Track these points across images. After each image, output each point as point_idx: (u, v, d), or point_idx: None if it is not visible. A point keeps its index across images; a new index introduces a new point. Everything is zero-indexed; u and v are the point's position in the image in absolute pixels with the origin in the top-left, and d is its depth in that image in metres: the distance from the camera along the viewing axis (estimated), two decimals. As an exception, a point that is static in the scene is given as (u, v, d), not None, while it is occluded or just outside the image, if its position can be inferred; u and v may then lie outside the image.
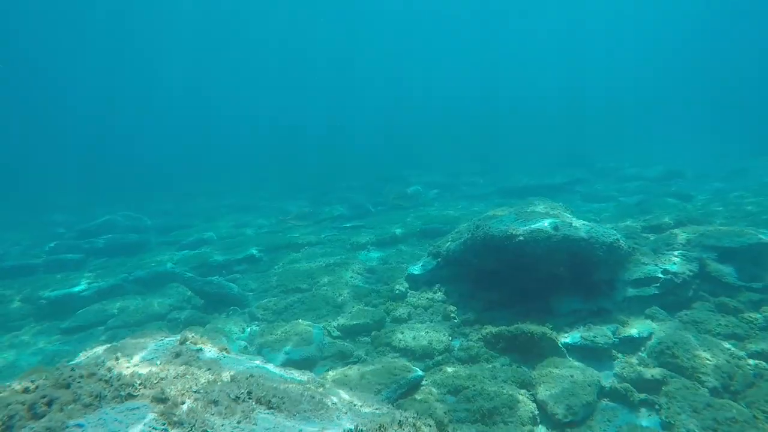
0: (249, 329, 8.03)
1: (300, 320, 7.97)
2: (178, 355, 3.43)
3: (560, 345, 5.86)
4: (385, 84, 77.26)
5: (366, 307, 8.21)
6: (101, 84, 62.25)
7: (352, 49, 66.76)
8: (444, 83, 76.35)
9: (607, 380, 5.37)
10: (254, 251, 12.29)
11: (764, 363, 5.25)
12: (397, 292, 8.38)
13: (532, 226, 6.68)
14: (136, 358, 3.27)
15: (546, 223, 6.69)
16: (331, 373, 5.84)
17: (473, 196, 18.82)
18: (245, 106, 77.86)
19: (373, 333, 7.27)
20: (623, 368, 5.33)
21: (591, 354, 5.77)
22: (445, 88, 75.94)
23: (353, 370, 5.66)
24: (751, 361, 5.30)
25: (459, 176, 23.10)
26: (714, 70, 59.92)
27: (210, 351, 3.65)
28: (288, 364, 6.25)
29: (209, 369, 3.35)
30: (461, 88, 74.87)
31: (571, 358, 5.78)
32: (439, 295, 8.02)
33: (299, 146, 47.93)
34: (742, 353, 5.42)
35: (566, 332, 6.15)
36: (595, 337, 5.78)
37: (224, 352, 3.72)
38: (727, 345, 5.51)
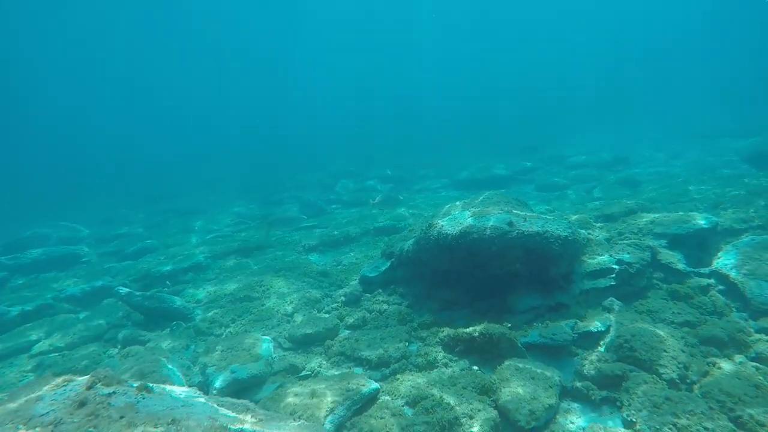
0: (193, 346, 7.42)
1: (248, 332, 7.48)
2: (83, 404, 2.90)
3: (519, 344, 5.66)
4: (335, 79, 76.57)
5: (319, 314, 7.78)
6: (49, 83, 58.24)
7: (301, 47, 65.80)
8: (396, 76, 76.36)
9: (568, 378, 5.22)
10: (201, 258, 11.56)
11: (715, 349, 5.24)
12: (351, 296, 7.98)
13: (486, 222, 6.44)
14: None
15: (500, 219, 6.47)
16: (280, 390, 5.38)
17: (427, 190, 18.65)
18: (197, 108, 75.03)
19: (326, 342, 6.86)
20: (583, 365, 5.19)
21: (551, 352, 5.61)
22: (397, 81, 75.96)
23: (304, 388, 5.23)
24: (703, 348, 5.29)
25: (412, 170, 22.89)
26: (659, 59, 62.85)
27: (125, 393, 3.12)
28: (234, 384, 5.77)
29: (122, 417, 2.85)
30: (413, 81, 75.10)
31: (531, 358, 5.60)
32: (394, 298, 7.70)
33: (250, 145, 46.42)
34: (695, 341, 5.40)
35: (525, 330, 5.97)
36: (554, 334, 5.62)
37: (143, 393, 3.21)
38: (681, 334, 5.48)
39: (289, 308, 8.16)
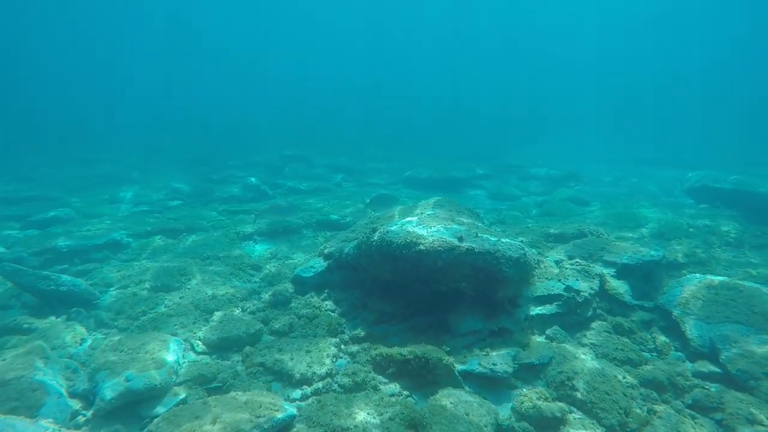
0: (90, 340, 6.42)
1: (158, 329, 6.58)
2: None
3: (456, 373, 5.18)
4: (303, 63, 74.39)
5: (242, 315, 6.98)
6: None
7: (269, 27, 63.32)
8: (357, 66, 75.24)
9: (505, 415, 4.79)
10: (121, 235, 10.35)
11: (655, 393, 4.99)
12: (280, 297, 7.24)
13: (435, 234, 5.91)
14: None
15: (450, 232, 5.96)
16: (180, 409, 4.59)
17: (378, 185, 18.04)
18: (154, 77, 70.24)
19: (246, 348, 6.09)
20: (522, 403, 4.77)
21: (489, 384, 5.17)
22: (364, 73, 74.85)
23: (207, 409, 4.47)
24: (642, 390, 5.03)
25: (365, 161, 22.18)
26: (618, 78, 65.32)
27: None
28: (126, 396, 4.92)
29: None
30: (377, 72, 74.23)
31: (467, 388, 5.14)
32: (327, 304, 7.04)
33: (202, 118, 43.68)
34: (635, 381, 5.13)
35: (464, 356, 5.50)
36: (494, 365, 5.18)
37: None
38: (623, 373, 5.20)
39: (211, 304, 7.29)
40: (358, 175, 19.83)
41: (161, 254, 9.55)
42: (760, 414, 4.49)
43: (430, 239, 5.83)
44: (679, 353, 5.80)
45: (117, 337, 6.09)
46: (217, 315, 6.95)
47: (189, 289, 7.81)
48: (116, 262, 9.24)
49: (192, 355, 6.05)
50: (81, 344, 6.29)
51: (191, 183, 17.39)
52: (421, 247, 5.79)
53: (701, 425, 4.49)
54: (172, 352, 5.72)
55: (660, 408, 4.67)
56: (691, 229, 9.98)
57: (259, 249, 10.02)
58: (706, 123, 39.92)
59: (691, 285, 6.43)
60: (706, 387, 5.04)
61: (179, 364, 5.65)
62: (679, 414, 4.62)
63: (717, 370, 5.29)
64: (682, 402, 4.90)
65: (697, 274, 6.81)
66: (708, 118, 42.43)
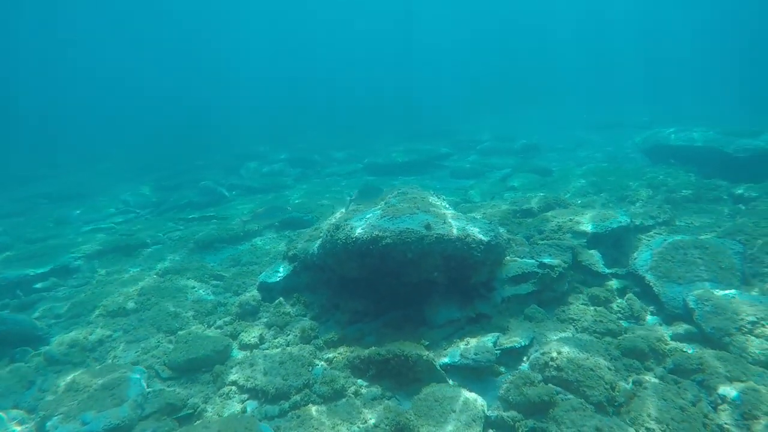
0: (40, 382, 5.88)
1: (118, 360, 6.10)
2: None
3: (438, 367, 4.98)
4: (252, 57, 72.00)
5: (208, 331, 6.57)
6: None
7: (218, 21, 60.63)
8: (312, 56, 73.51)
9: (493, 405, 4.64)
10: (71, 258, 9.61)
11: (637, 362, 4.95)
12: (247, 307, 6.85)
13: (401, 225, 5.64)
14: None
15: (416, 222, 5.70)
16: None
17: (339, 174, 17.62)
18: (93, 77, 66.22)
19: (216, 368, 5.71)
20: (508, 390, 4.62)
21: (473, 374, 5.01)
22: (314, 62, 73.12)
23: (175, 445, 4.12)
24: (626, 360, 4.98)
25: (322, 152, 21.65)
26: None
27: None
28: (85, 441, 4.48)
29: None
30: (329, 61, 72.75)
31: (451, 381, 4.96)
32: (297, 308, 6.71)
33: (150, 122, 41.55)
34: (617, 352, 5.09)
35: (444, 348, 5.32)
36: (476, 354, 5.01)
37: None
38: (604, 346, 5.13)
39: (174, 323, 6.84)
40: (318, 167, 19.33)
41: (116, 275, 8.93)
42: (737, 370, 4.51)
43: (397, 231, 5.56)
44: (656, 317, 5.82)
45: (71, 375, 5.58)
46: (182, 334, 6.51)
47: (149, 309, 7.29)
48: (66, 289, 8.57)
49: (158, 383, 5.62)
50: (30, 387, 5.75)
51: (143, 193, 16.50)
52: (388, 240, 5.52)
53: (684, 389, 4.46)
54: (134, 384, 5.29)
55: (645, 378, 4.61)
56: (652, 189, 10.13)
57: (220, 257, 9.53)
58: (658, 84, 41.05)
59: (660, 247, 6.45)
60: (684, 350, 5.04)
61: (144, 396, 5.22)
62: (662, 381, 4.58)
63: (693, 329, 5.32)
64: (664, 367, 4.88)
65: (664, 236, 6.84)
66: (658, 80, 43.63)
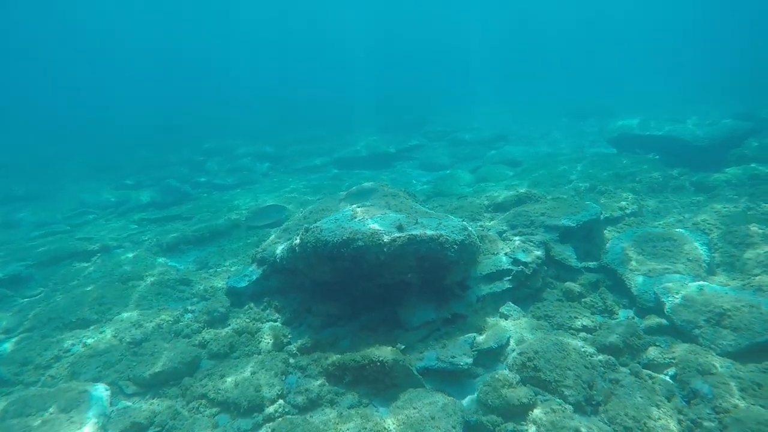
0: (-12, 405, 5.46)
1: (76, 376, 5.75)
2: None
3: (415, 371, 4.88)
4: (219, 47, 69.68)
5: (176, 341, 6.26)
6: None
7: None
8: (281, 45, 71.80)
9: (471, 408, 4.57)
10: (18, 267, 9.03)
11: (613, 358, 4.97)
12: (215, 314, 6.57)
13: (373, 226, 5.48)
14: None
15: (388, 222, 5.55)
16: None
17: (308, 169, 17.26)
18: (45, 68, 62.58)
19: (184, 380, 5.45)
20: (486, 393, 4.55)
21: (450, 377, 4.93)
22: (282, 51, 71.43)
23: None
24: (601, 357, 4.99)
25: (291, 145, 21.17)
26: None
27: None
28: (40, 470, 4.17)
29: None
30: (298, 51, 71.21)
31: (428, 386, 4.86)
32: (268, 313, 6.49)
33: (111, 117, 39.61)
34: (593, 349, 5.10)
35: (420, 352, 5.21)
36: (453, 357, 4.93)
37: None
38: (580, 343, 5.14)
39: (137, 333, 6.48)
40: (286, 161, 18.89)
41: (73, 282, 8.45)
42: (708, 363, 4.58)
43: (368, 232, 5.39)
44: (628, 310, 5.88)
45: (23, 398, 5.20)
46: (147, 346, 6.18)
47: (110, 320, 6.91)
48: (14, 301, 8.03)
49: (122, 401, 5.32)
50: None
51: (101, 193, 15.72)
52: (360, 243, 5.35)
53: (659, 384, 4.51)
54: (94, 404, 4.98)
55: (621, 376, 4.63)
56: (619, 179, 10.29)
57: (186, 260, 9.15)
58: (623, 73, 41.82)
59: (630, 240, 6.52)
60: (657, 344, 5.10)
61: (106, 417, 4.92)
62: (637, 378, 4.61)
63: (664, 322, 5.39)
64: (639, 363, 4.92)
65: (634, 229, 6.92)
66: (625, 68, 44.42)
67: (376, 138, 19.49)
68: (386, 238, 5.31)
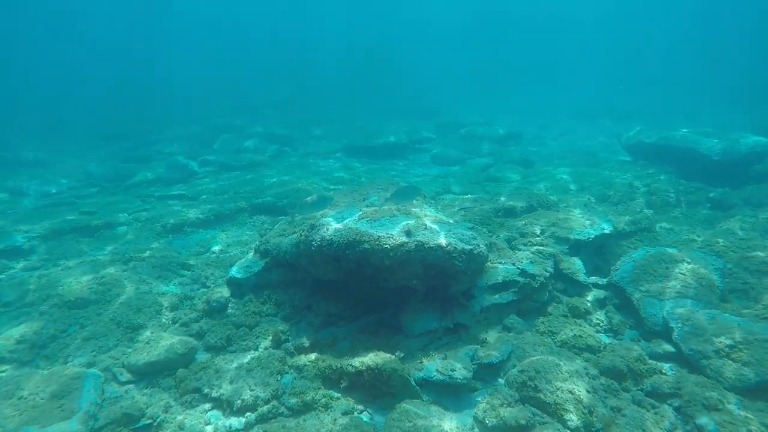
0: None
1: (72, 359, 5.71)
2: None
3: (413, 383, 4.79)
4: (228, 22, 68.66)
5: (173, 329, 6.20)
6: None
7: None
8: (293, 25, 70.66)
9: (468, 423, 4.49)
10: (21, 239, 8.99)
11: (615, 383, 4.85)
12: (215, 304, 6.49)
13: (380, 230, 5.34)
14: None
15: (396, 226, 5.41)
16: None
17: (317, 154, 17.06)
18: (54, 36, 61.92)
19: (179, 372, 5.40)
20: (485, 411, 4.47)
21: (449, 390, 4.84)
22: (294, 31, 70.28)
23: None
24: (603, 380, 4.88)
25: (300, 127, 20.92)
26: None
27: None
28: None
29: None
30: (311, 31, 70.03)
31: (426, 397, 4.78)
32: (267, 307, 6.39)
33: (118, 88, 39.25)
34: (595, 371, 4.98)
35: (420, 360, 5.12)
36: (452, 371, 4.83)
37: None
38: (583, 364, 5.02)
39: (135, 319, 6.42)
40: (296, 144, 18.69)
41: (73, 259, 8.39)
42: (714, 398, 4.45)
43: (375, 236, 5.26)
44: (635, 331, 5.74)
45: (16, 377, 5.17)
46: (145, 333, 6.14)
47: (108, 302, 6.85)
48: (16, 273, 8.00)
49: (115, 387, 5.28)
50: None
51: (108, 164, 15.66)
52: (366, 245, 5.22)
53: (661, 416, 4.39)
54: (87, 391, 4.94)
55: (623, 403, 4.52)
56: (633, 191, 10.06)
57: (189, 243, 9.07)
58: (647, 75, 40.78)
59: (642, 259, 6.34)
60: (663, 372, 4.97)
61: (98, 404, 4.88)
62: (640, 407, 4.50)
63: (671, 349, 5.25)
64: (642, 389, 4.80)
65: (647, 248, 6.74)
66: (651, 71, 43.35)
67: (388, 125, 19.20)
68: (393, 243, 5.18)
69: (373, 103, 27.48)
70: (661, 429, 4.21)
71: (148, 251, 8.37)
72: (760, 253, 6.36)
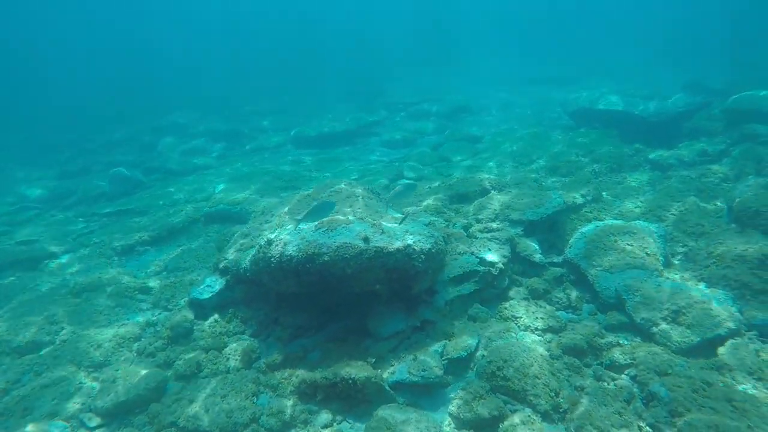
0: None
1: (30, 412, 5.45)
2: None
3: (387, 388, 4.90)
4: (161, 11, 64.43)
5: (139, 363, 6.01)
6: None
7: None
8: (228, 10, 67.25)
9: (444, 420, 4.67)
10: (-46, 279, 8.40)
11: (577, 360, 5.14)
12: (179, 329, 6.34)
13: (337, 239, 5.33)
14: None
15: (353, 234, 5.41)
16: None
17: (266, 148, 16.62)
18: None
19: (151, 407, 5.27)
20: (459, 407, 4.65)
21: (423, 390, 4.98)
22: (226, 16, 66.91)
23: None
24: (566, 359, 5.16)
25: (247, 119, 20.26)
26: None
27: None
28: None
29: None
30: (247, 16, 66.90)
31: (401, 399, 4.91)
32: (233, 325, 6.32)
33: (48, 92, 36.34)
34: (559, 351, 5.26)
35: (391, 363, 5.23)
36: (423, 371, 4.96)
37: None
38: (546, 346, 5.29)
39: (96, 356, 6.19)
40: (243, 140, 18.13)
41: (16, 298, 7.91)
42: (665, 363, 4.81)
43: (334, 246, 5.25)
44: (591, 305, 6.05)
45: (-25, 442, 4.91)
46: (108, 371, 5.92)
47: (64, 341, 6.55)
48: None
49: (85, 435, 5.12)
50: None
51: (43, 183, 14.70)
52: (326, 257, 5.21)
53: (620, 387, 4.71)
54: (54, 446, 4.76)
55: (586, 382, 4.80)
56: (580, 159, 10.44)
57: (144, 263, 8.74)
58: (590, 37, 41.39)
59: (592, 234, 6.64)
60: (620, 343, 5.30)
61: (68, 457, 4.73)
62: (600, 382, 4.80)
63: (625, 319, 5.58)
64: (601, 364, 5.11)
65: (596, 222, 7.06)
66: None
67: (336, 111, 18.95)
68: (353, 252, 5.19)
69: (318, 87, 26.87)
70: (621, 401, 4.51)
71: (100, 278, 8.00)
72: (694, 215, 6.79)
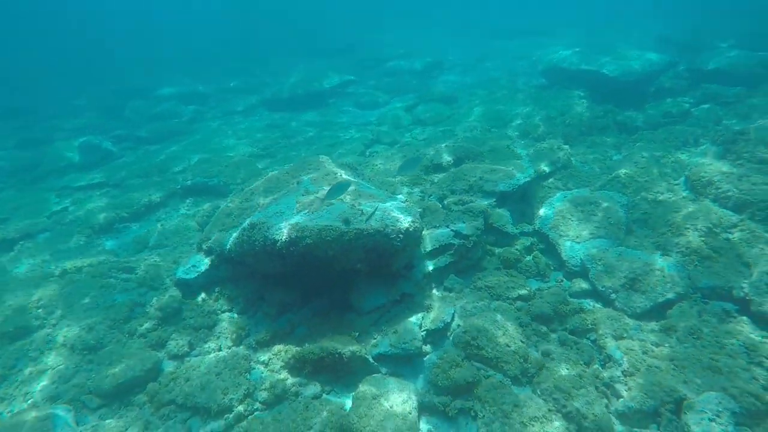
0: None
1: (30, 399, 5.69)
2: None
3: (371, 359, 5.31)
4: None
5: (131, 344, 6.25)
6: None
7: None
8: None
9: (423, 387, 5.13)
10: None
11: (544, 327, 5.61)
12: (169, 309, 6.56)
13: (319, 222, 5.53)
14: None
15: (334, 216, 5.62)
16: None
17: (236, 112, 16.24)
18: None
19: (149, 386, 5.57)
20: (436, 375, 5.09)
21: (404, 360, 5.41)
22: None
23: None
24: (535, 326, 5.62)
25: (214, 80, 19.59)
26: None
27: None
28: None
29: None
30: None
31: (384, 370, 5.34)
32: (221, 303, 6.58)
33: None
34: (528, 319, 5.71)
35: (374, 336, 5.61)
36: (404, 343, 5.37)
37: None
38: (517, 314, 5.74)
39: (89, 339, 6.38)
40: (212, 102, 17.62)
41: (-1, 281, 7.94)
42: (620, 327, 5.33)
43: (316, 230, 5.46)
44: (559, 273, 6.51)
45: (-20, 427, 5.15)
46: (103, 353, 6.15)
47: (54, 325, 6.71)
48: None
49: (88, 416, 5.41)
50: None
51: (8, 153, 14.15)
52: (308, 240, 5.43)
53: (582, 351, 5.22)
54: (61, 426, 5.05)
55: (552, 347, 5.30)
56: (551, 121, 10.66)
57: (125, 241, 8.78)
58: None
59: (560, 204, 7.01)
60: (583, 310, 5.78)
61: (73, 437, 5.03)
62: (564, 346, 5.30)
63: (588, 287, 6.06)
64: (566, 329, 5.60)
65: (564, 192, 7.41)
66: None
67: (307, 70, 18.43)
68: (334, 234, 5.42)
69: (290, 43, 25.85)
70: (582, 364, 5.03)
71: (81, 259, 8.06)
72: (654, 184, 7.21)
